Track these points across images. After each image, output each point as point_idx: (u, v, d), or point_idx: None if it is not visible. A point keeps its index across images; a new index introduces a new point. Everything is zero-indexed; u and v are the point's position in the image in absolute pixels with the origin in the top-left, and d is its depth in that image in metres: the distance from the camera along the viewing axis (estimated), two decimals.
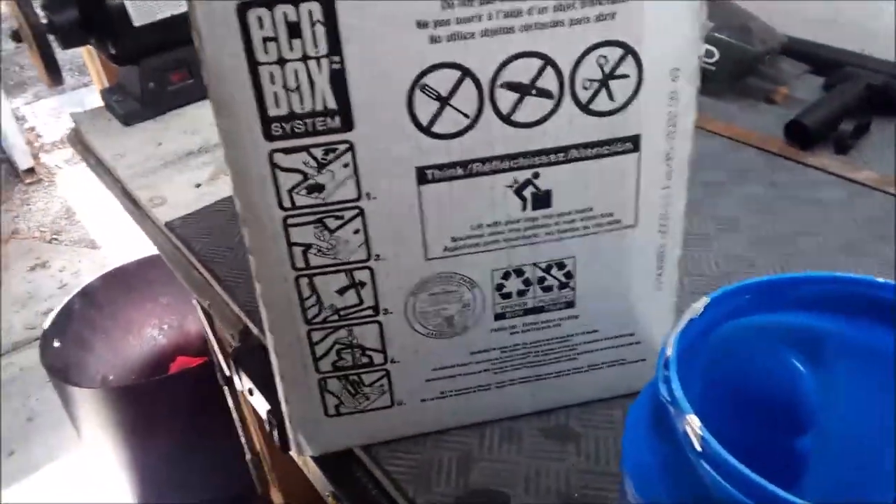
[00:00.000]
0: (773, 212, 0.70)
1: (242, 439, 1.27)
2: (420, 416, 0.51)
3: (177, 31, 0.94)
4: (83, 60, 2.29)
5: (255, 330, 0.66)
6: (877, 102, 0.80)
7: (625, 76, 0.41)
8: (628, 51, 0.40)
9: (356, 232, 0.43)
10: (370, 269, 0.44)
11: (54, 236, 2.64)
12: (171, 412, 1.52)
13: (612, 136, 0.42)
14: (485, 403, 0.51)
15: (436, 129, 0.41)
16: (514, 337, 0.49)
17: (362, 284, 0.45)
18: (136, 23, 0.89)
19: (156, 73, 0.95)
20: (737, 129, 0.80)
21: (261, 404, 0.62)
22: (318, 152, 0.40)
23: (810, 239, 0.66)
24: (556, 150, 0.42)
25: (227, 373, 1.13)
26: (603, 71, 0.41)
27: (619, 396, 0.53)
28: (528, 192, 0.43)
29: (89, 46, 0.97)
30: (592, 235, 0.46)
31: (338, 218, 0.43)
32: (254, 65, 0.38)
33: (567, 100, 0.41)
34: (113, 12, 0.88)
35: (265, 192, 0.41)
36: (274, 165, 0.40)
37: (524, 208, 0.44)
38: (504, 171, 0.43)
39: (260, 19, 0.37)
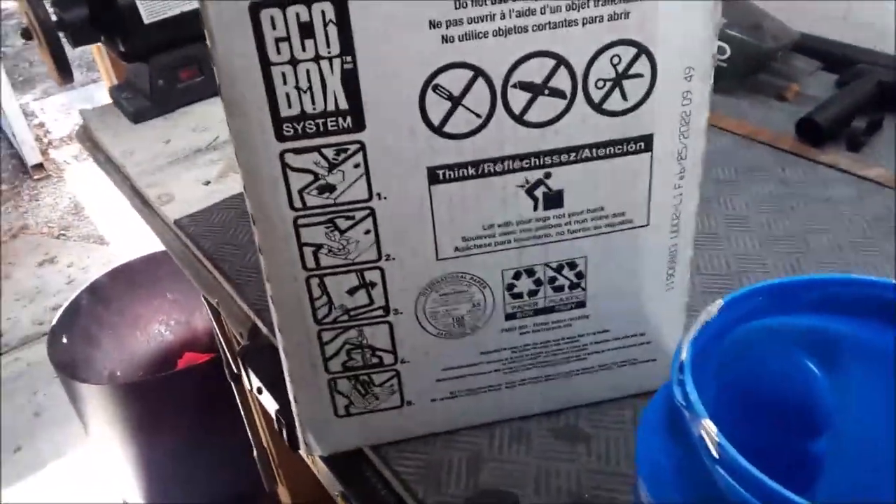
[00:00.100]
0: (785, 209, 0.70)
1: (250, 436, 1.27)
2: (430, 416, 0.51)
3: (186, 29, 0.94)
4: (92, 57, 2.29)
5: (264, 329, 0.66)
6: (889, 99, 0.79)
7: (638, 75, 0.41)
8: (642, 50, 0.40)
9: (367, 232, 0.43)
10: (381, 269, 0.44)
11: (62, 232, 2.65)
12: (179, 409, 1.52)
13: (624, 135, 0.42)
14: (494, 403, 0.51)
15: (448, 129, 0.40)
16: (525, 337, 0.48)
17: (373, 285, 0.45)
18: (147, 20, 0.89)
19: (165, 71, 0.95)
20: (748, 126, 0.80)
21: (270, 403, 0.62)
22: (330, 152, 0.40)
23: (822, 237, 0.66)
24: (569, 150, 0.42)
25: (235, 370, 1.13)
26: (616, 70, 0.40)
27: (629, 396, 0.53)
28: (539, 192, 0.43)
29: (99, 44, 0.96)
30: (604, 235, 0.45)
31: (348, 218, 0.42)
32: (266, 65, 0.38)
33: (580, 99, 0.41)
34: (123, 10, 0.88)
35: (276, 193, 0.41)
36: (285, 165, 0.40)
37: (535, 208, 0.44)
38: (516, 170, 0.42)
39: (272, 19, 0.36)
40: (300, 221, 0.42)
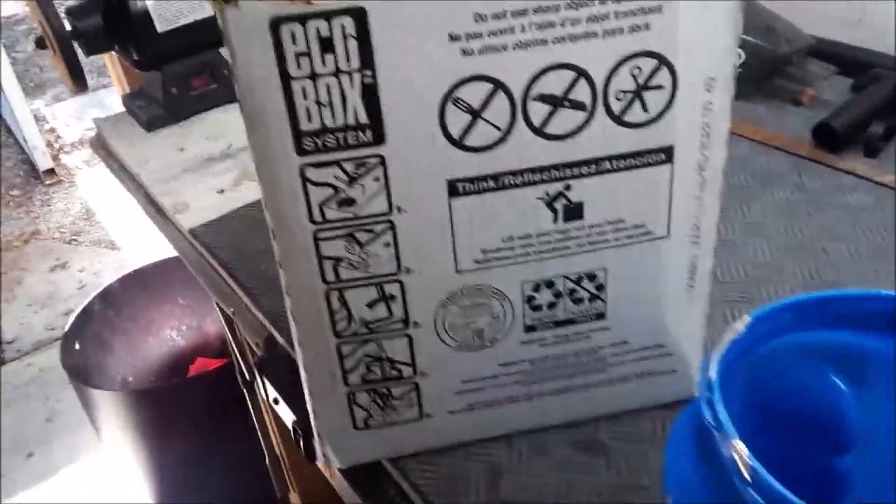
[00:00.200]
0: (802, 216, 0.69)
1: (262, 443, 1.27)
2: (448, 428, 0.50)
3: (199, 37, 0.94)
4: (103, 62, 2.30)
5: (280, 339, 0.65)
6: None
7: (659, 87, 0.40)
8: (662, 62, 0.40)
9: (386, 245, 0.43)
10: (400, 282, 0.44)
11: (74, 237, 2.66)
12: (191, 415, 1.52)
13: (645, 147, 0.42)
14: (513, 415, 0.51)
15: (468, 142, 0.40)
16: (544, 349, 0.48)
17: (392, 297, 0.45)
18: (160, 29, 0.89)
19: (178, 79, 0.95)
20: (764, 131, 0.79)
21: (286, 414, 0.62)
22: (350, 166, 0.40)
23: (840, 244, 0.66)
24: (589, 162, 0.42)
25: (248, 377, 1.13)
26: (637, 82, 0.40)
27: (648, 408, 0.52)
28: (559, 205, 0.43)
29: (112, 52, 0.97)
30: (624, 247, 0.45)
31: (368, 231, 0.42)
32: (286, 79, 0.37)
33: (600, 111, 0.41)
34: (136, 19, 0.88)
35: (296, 206, 0.41)
36: (305, 179, 0.40)
37: (555, 220, 0.43)
38: (536, 183, 0.42)
39: (293, 34, 0.36)
40: (320, 235, 0.42)
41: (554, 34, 0.38)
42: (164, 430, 1.55)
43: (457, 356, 0.47)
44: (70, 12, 0.89)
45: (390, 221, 0.42)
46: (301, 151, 0.39)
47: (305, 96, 0.38)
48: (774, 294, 0.61)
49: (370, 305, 0.45)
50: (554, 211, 0.43)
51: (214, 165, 0.89)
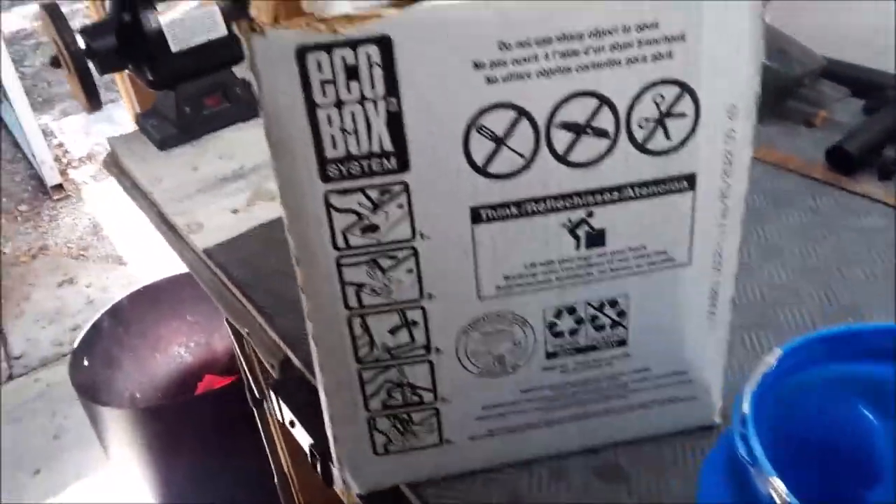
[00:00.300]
0: (817, 239, 0.69)
1: (270, 461, 1.27)
2: (468, 454, 0.50)
3: (213, 57, 0.94)
4: (112, 77, 2.31)
5: (296, 361, 0.65)
6: None
7: (682, 115, 0.40)
8: (685, 89, 0.40)
9: (409, 272, 0.43)
10: (422, 308, 0.44)
11: (82, 252, 2.67)
12: (199, 432, 1.52)
13: (667, 174, 0.42)
14: (533, 441, 0.50)
15: (491, 169, 0.40)
16: (565, 375, 0.48)
17: (414, 324, 0.45)
18: (174, 48, 0.90)
19: (191, 98, 0.96)
20: (777, 153, 0.79)
21: (303, 437, 0.62)
22: (374, 193, 0.40)
23: (855, 267, 0.65)
24: (611, 190, 0.42)
25: (257, 395, 1.13)
26: (660, 110, 0.40)
27: (669, 434, 0.52)
28: (581, 231, 0.43)
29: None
30: (646, 274, 0.45)
31: (391, 258, 0.42)
32: (311, 107, 0.38)
33: (623, 139, 0.41)
34: (151, 38, 0.89)
35: (320, 233, 0.41)
36: (329, 206, 0.40)
37: (578, 247, 0.43)
38: (558, 210, 0.42)
39: (318, 62, 0.37)
40: (343, 261, 0.42)
41: (577, 62, 0.38)
42: (172, 447, 1.55)
43: (478, 382, 0.47)
44: (84, 31, 0.90)
45: (413, 248, 0.42)
46: (325, 178, 0.40)
47: (330, 123, 0.38)
48: (792, 318, 0.61)
49: (392, 331, 0.45)
50: (576, 237, 0.43)
51: (227, 185, 0.90)
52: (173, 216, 0.85)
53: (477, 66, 0.38)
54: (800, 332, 0.60)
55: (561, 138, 0.40)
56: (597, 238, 0.43)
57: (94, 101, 0.90)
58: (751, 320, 0.61)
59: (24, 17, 4.35)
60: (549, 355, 0.47)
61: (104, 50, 0.89)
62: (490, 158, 0.40)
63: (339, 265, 0.42)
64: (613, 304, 0.46)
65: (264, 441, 1.24)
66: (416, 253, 0.42)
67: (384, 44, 0.37)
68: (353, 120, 0.38)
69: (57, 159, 3.06)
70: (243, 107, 1.00)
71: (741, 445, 0.28)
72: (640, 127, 0.40)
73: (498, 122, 0.39)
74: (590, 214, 0.43)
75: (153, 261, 2.45)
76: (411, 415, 0.48)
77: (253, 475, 1.45)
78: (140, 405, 1.70)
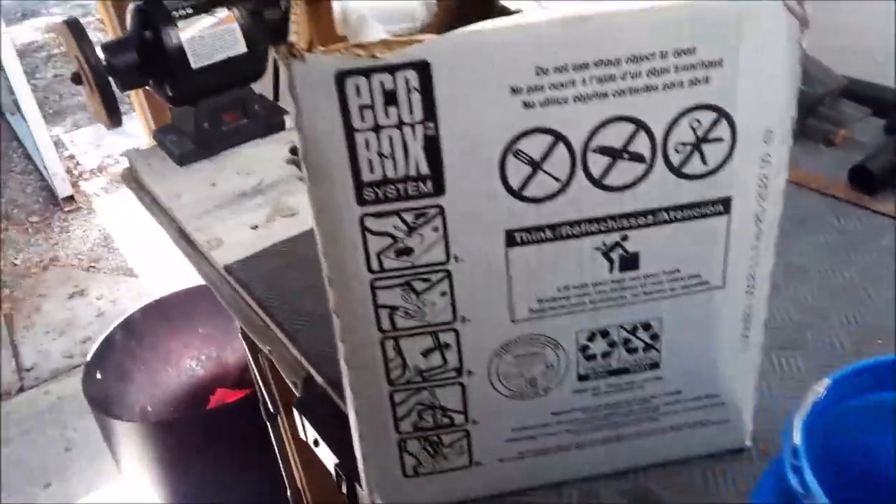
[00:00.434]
0: (842, 259, 0.69)
1: (284, 476, 1.27)
2: (498, 476, 0.50)
3: (232, 73, 0.95)
4: None
5: (319, 379, 0.65)
6: None
7: (718, 140, 0.40)
8: (722, 114, 0.40)
9: (443, 294, 0.43)
10: (455, 330, 0.44)
11: (92, 264, 2.67)
12: (212, 446, 1.52)
13: (702, 198, 0.42)
14: (563, 464, 0.50)
15: (527, 192, 0.40)
16: (597, 398, 0.48)
17: (447, 346, 0.44)
18: (194, 65, 0.90)
19: (210, 114, 0.96)
20: (799, 173, 0.79)
21: (327, 456, 0.62)
22: (409, 216, 0.40)
23: (882, 288, 0.65)
24: (646, 213, 0.42)
25: (272, 409, 1.13)
26: (696, 135, 0.40)
27: (699, 457, 0.52)
28: (615, 255, 0.43)
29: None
30: (679, 297, 0.45)
31: (425, 281, 0.42)
32: (350, 131, 0.38)
33: (659, 163, 0.41)
34: (172, 55, 0.89)
35: (354, 256, 0.41)
36: (364, 229, 0.40)
37: (611, 270, 0.43)
38: (593, 233, 0.42)
39: (357, 87, 0.37)
40: (377, 284, 0.42)
41: (614, 87, 0.38)
42: (184, 461, 1.55)
43: (509, 404, 0.47)
44: (106, 48, 0.90)
45: (447, 271, 0.42)
46: (362, 201, 0.40)
47: (368, 148, 0.38)
48: (819, 339, 0.61)
49: (425, 354, 0.45)
50: (610, 261, 0.43)
51: (247, 201, 0.90)
52: (193, 232, 0.85)
53: (514, 91, 0.38)
54: (828, 353, 0.60)
55: (597, 162, 0.40)
56: (631, 261, 0.43)
57: (114, 117, 0.91)
58: (779, 341, 0.60)
59: (36, 30, 4.38)
60: (581, 378, 0.47)
61: (125, 66, 0.90)
62: (526, 182, 0.40)
63: (372, 288, 0.42)
64: (647, 327, 0.46)
65: (278, 456, 1.24)
66: (449, 276, 0.42)
67: (422, 69, 0.37)
68: (391, 144, 0.38)
69: (68, 171, 3.07)
70: (261, 123, 1.00)
71: (793, 477, 0.27)
72: (677, 151, 0.40)
73: (534, 146, 0.39)
74: (624, 238, 0.42)
75: (164, 273, 2.46)
76: (441, 437, 0.48)
77: (265, 490, 1.44)
78: (151, 418, 1.70)
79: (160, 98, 0.96)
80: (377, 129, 0.38)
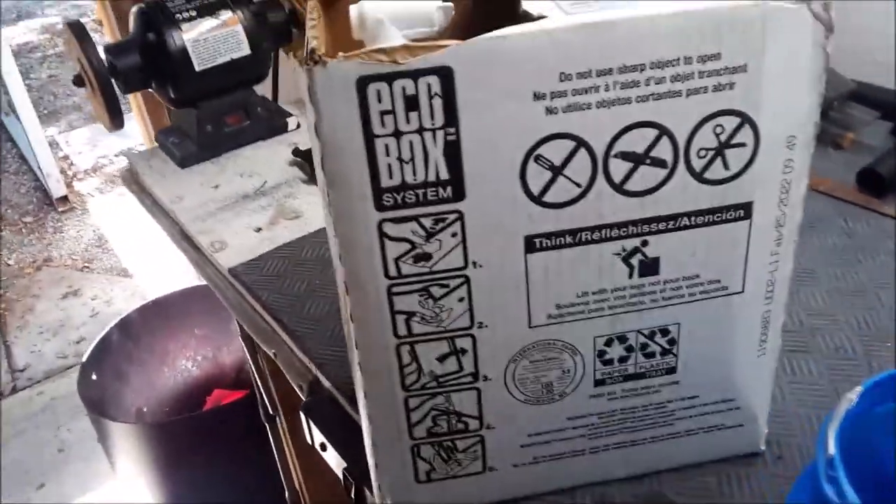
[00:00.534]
0: (852, 262, 0.69)
1: (282, 478, 1.26)
2: (511, 481, 0.50)
3: (235, 75, 0.94)
4: None
5: (326, 383, 0.65)
6: None
7: (741, 145, 0.40)
8: (745, 120, 0.39)
9: (461, 300, 0.42)
10: (472, 336, 0.44)
11: (86, 264, 2.66)
12: (208, 448, 1.51)
13: (724, 203, 0.42)
14: (577, 469, 0.50)
15: (547, 198, 0.40)
16: (613, 403, 0.47)
17: (463, 352, 0.44)
18: (198, 67, 0.90)
19: (213, 116, 0.95)
20: None
21: (335, 460, 0.61)
22: (428, 222, 0.40)
23: (892, 291, 0.65)
24: (667, 219, 0.42)
25: (271, 411, 1.12)
26: (719, 140, 0.40)
27: (712, 462, 0.51)
28: (635, 260, 0.43)
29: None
30: (698, 302, 0.45)
31: (443, 286, 0.42)
32: (370, 137, 0.37)
33: (681, 169, 0.40)
34: (175, 57, 0.89)
35: (372, 261, 0.41)
36: (382, 235, 0.40)
37: (631, 276, 0.43)
38: (613, 239, 0.42)
39: (378, 93, 0.36)
40: (394, 290, 0.42)
41: (638, 93, 0.38)
42: (180, 462, 1.54)
43: (524, 409, 0.47)
44: (108, 50, 0.90)
45: (465, 276, 0.42)
46: (380, 207, 0.39)
47: (388, 153, 0.38)
48: (831, 342, 0.61)
49: (441, 359, 0.44)
50: (630, 266, 0.43)
51: (250, 203, 0.89)
52: (196, 235, 0.84)
53: (537, 96, 0.37)
54: (838, 356, 0.59)
55: (618, 167, 0.40)
56: (651, 266, 0.43)
57: (116, 119, 0.90)
58: (788, 345, 0.60)
59: (31, 31, 4.36)
60: (598, 383, 0.47)
61: (128, 68, 0.89)
62: (546, 188, 0.40)
63: (390, 293, 0.42)
64: (665, 332, 0.45)
65: (276, 458, 1.23)
66: (468, 281, 0.42)
67: (445, 74, 0.36)
68: (411, 149, 0.38)
69: (63, 171, 3.05)
70: (264, 125, 1.00)
71: (829, 488, 0.27)
72: (699, 157, 0.40)
73: (556, 151, 0.39)
74: (644, 243, 0.42)
75: (158, 274, 2.45)
76: (456, 442, 0.48)
77: (262, 491, 1.44)
78: (147, 419, 1.69)
79: (162, 100, 0.96)
80: (397, 134, 0.37)
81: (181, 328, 1.79)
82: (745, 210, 0.42)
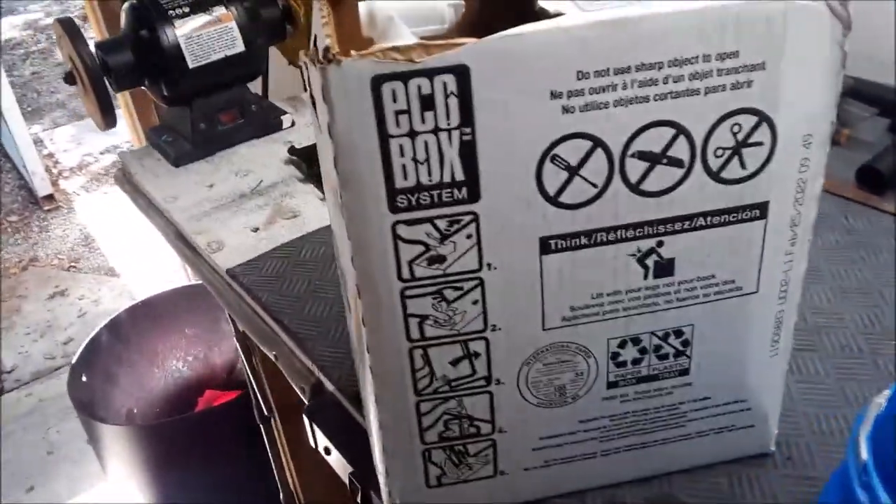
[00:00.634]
0: (855, 260, 0.69)
1: (277, 479, 1.25)
2: (521, 485, 0.49)
3: (230, 73, 0.93)
4: None
5: (329, 386, 0.64)
6: None
7: (758, 144, 0.40)
8: (763, 118, 0.39)
9: (475, 303, 0.42)
10: (486, 339, 0.43)
11: (73, 264, 2.64)
12: (201, 449, 1.50)
13: (740, 203, 0.41)
14: (588, 471, 0.49)
15: (563, 199, 0.39)
16: (625, 405, 0.47)
17: (476, 355, 0.43)
18: (191, 65, 0.88)
19: (207, 114, 0.94)
20: None
21: (339, 465, 0.60)
22: (442, 224, 0.39)
23: (895, 289, 0.65)
24: (683, 219, 0.41)
25: (265, 411, 1.12)
26: (736, 139, 0.39)
27: (722, 462, 0.51)
28: (650, 261, 0.42)
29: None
30: (712, 303, 0.44)
31: (457, 289, 0.41)
32: (384, 138, 0.36)
33: (697, 168, 0.40)
34: (168, 54, 0.87)
35: (385, 264, 0.40)
36: (396, 237, 0.39)
37: (646, 277, 0.43)
38: (628, 240, 0.41)
39: (393, 92, 0.35)
40: (407, 293, 0.41)
41: (656, 91, 0.37)
42: (172, 464, 1.53)
43: (537, 413, 0.46)
44: (100, 47, 0.88)
45: (480, 278, 0.41)
46: (394, 209, 0.38)
47: (402, 154, 0.37)
48: (836, 341, 0.61)
49: (454, 363, 0.44)
50: (645, 267, 0.42)
51: (246, 203, 0.88)
52: (193, 235, 0.83)
53: (554, 95, 0.37)
54: (845, 355, 0.59)
55: (635, 167, 0.39)
56: (666, 267, 0.42)
57: (109, 118, 0.89)
58: (796, 344, 0.59)
59: (14, 27, 4.31)
60: (610, 385, 0.46)
61: (121, 66, 0.87)
62: (562, 188, 0.39)
63: (403, 297, 0.41)
64: (678, 333, 0.45)
65: (271, 459, 1.22)
66: (482, 284, 0.41)
67: (461, 73, 0.36)
68: (426, 150, 0.37)
69: (47, 170, 3.02)
70: (258, 123, 0.99)
71: (863, 494, 0.27)
72: (716, 156, 0.40)
73: (572, 151, 0.38)
74: (660, 244, 0.42)
75: (146, 273, 2.42)
76: (467, 447, 0.47)
77: (255, 493, 1.43)
78: (138, 420, 1.68)
79: (155, 98, 0.94)
80: (412, 134, 0.37)
81: (171, 328, 1.78)
82: (760, 210, 0.42)
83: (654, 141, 0.39)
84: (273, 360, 0.71)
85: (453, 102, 0.36)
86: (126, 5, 0.89)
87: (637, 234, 0.41)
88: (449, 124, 0.37)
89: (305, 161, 0.91)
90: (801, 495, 0.50)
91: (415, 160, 0.37)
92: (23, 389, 2.19)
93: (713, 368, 0.46)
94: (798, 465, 0.52)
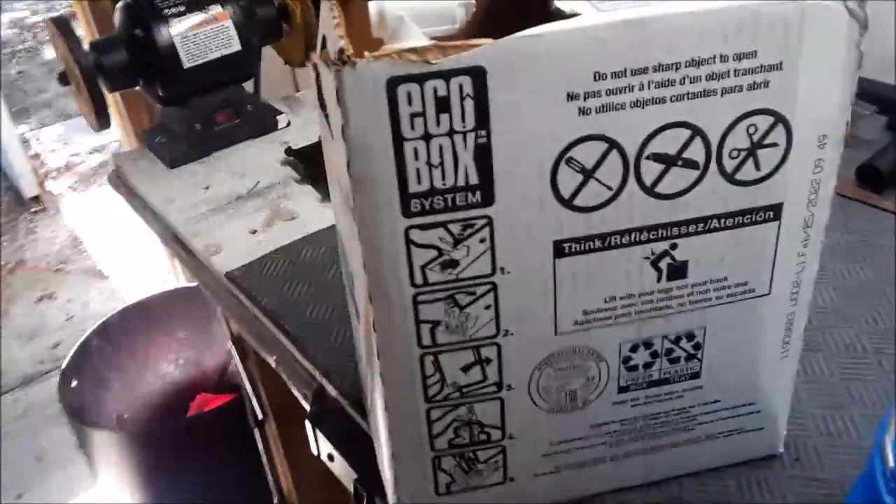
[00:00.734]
0: (857, 259, 0.69)
1: (271, 484, 1.24)
2: (531, 491, 0.49)
3: (226, 72, 0.92)
4: None
5: (332, 391, 0.63)
6: None
7: (773, 145, 0.39)
8: (779, 119, 0.39)
9: (487, 308, 0.41)
10: (497, 345, 0.42)
11: (61, 266, 2.61)
12: (193, 454, 1.48)
13: (754, 205, 0.41)
14: (598, 477, 0.49)
15: (577, 202, 0.39)
16: (636, 409, 0.47)
17: (488, 361, 0.43)
18: (187, 64, 0.87)
19: (202, 115, 0.93)
20: None
21: (344, 471, 0.60)
22: (456, 228, 0.39)
23: None
24: (697, 221, 0.41)
25: (260, 416, 1.11)
26: (752, 140, 0.39)
27: (732, 465, 0.51)
28: (664, 264, 0.42)
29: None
30: (725, 305, 0.44)
31: (470, 294, 0.41)
32: (399, 141, 0.36)
33: (712, 170, 0.39)
34: (163, 54, 0.86)
35: (397, 269, 0.39)
36: (409, 242, 0.39)
37: (659, 279, 0.42)
38: (642, 242, 0.41)
39: (409, 94, 0.35)
40: (420, 298, 0.40)
41: (672, 92, 0.37)
42: (163, 469, 1.51)
43: (547, 418, 0.46)
44: (95, 47, 0.87)
45: (493, 283, 0.40)
46: (408, 213, 0.38)
47: (417, 157, 0.36)
48: (841, 342, 0.60)
49: (465, 369, 0.43)
50: (658, 270, 0.42)
51: (243, 205, 0.87)
52: (190, 238, 0.82)
53: (570, 97, 0.36)
54: (849, 354, 0.59)
55: (650, 169, 0.39)
56: (679, 270, 0.42)
57: (103, 118, 0.88)
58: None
59: None
60: (621, 389, 0.46)
61: (115, 66, 0.86)
62: (577, 191, 0.39)
63: (415, 302, 0.40)
64: (690, 336, 0.45)
65: (265, 463, 1.22)
66: (495, 288, 0.41)
67: (478, 74, 0.35)
68: (440, 153, 0.37)
69: (34, 170, 2.99)
70: (254, 123, 0.98)
71: (891, 500, 0.26)
72: (731, 157, 0.39)
73: (588, 154, 0.38)
74: (673, 246, 0.41)
75: (135, 275, 2.40)
76: (477, 453, 0.46)
77: (248, 498, 1.41)
78: (129, 425, 1.66)
79: (150, 99, 0.93)
80: (427, 137, 0.36)
81: (162, 331, 1.76)
82: (774, 211, 0.41)
83: (669, 142, 0.38)
84: (273, 364, 0.70)
85: (469, 104, 0.36)
86: (120, 4, 0.88)
87: (651, 237, 0.41)
88: (464, 127, 0.36)
89: (303, 162, 0.90)
90: (810, 497, 0.50)
91: (429, 164, 0.37)
92: (11, 394, 2.16)
93: (724, 371, 0.46)
94: (806, 466, 0.51)
